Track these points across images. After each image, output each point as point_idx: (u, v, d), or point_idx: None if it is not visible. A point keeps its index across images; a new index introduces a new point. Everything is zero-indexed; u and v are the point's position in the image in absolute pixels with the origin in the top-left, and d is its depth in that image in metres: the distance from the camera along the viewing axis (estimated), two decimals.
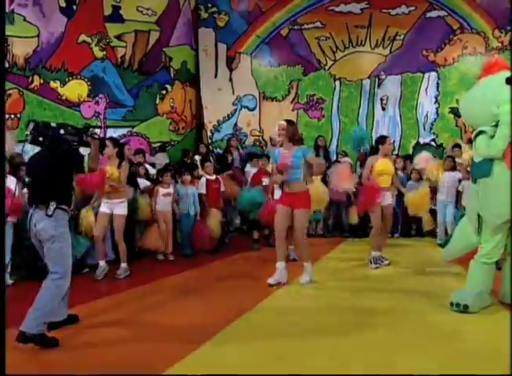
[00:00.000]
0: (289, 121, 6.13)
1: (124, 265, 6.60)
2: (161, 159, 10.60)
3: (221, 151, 12.21)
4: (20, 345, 3.82)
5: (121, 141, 9.74)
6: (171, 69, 12.07)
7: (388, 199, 7.17)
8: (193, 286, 6.04)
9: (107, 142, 6.40)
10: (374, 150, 7.42)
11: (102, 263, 6.57)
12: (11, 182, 5.45)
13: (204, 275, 6.83)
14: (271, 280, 5.77)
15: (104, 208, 6.58)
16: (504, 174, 4.54)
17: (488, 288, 4.83)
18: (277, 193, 6.78)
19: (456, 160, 9.10)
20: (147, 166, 8.97)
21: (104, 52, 10.14)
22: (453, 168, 9.03)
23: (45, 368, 3.62)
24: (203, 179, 8.46)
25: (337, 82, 12.46)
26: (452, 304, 4.74)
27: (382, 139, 7.35)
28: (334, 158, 11.42)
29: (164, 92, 11.79)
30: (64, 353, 3.81)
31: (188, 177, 8.20)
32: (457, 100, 11.28)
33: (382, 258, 7.13)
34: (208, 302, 5.25)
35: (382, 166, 7.06)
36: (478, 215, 4.78)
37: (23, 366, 3.60)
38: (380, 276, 6.51)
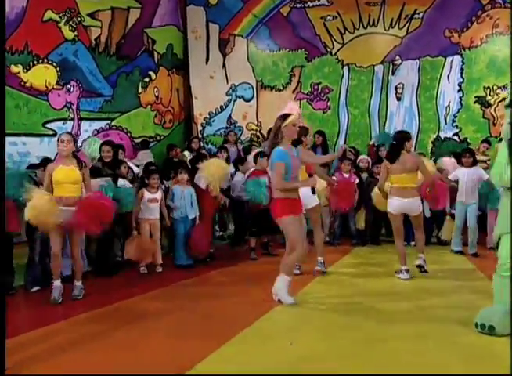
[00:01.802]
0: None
1: (79, 284, 6.11)
2: (144, 158, 10.29)
3: (213, 147, 12.14)
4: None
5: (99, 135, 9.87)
6: (155, 53, 11.87)
7: None
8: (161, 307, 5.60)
9: (64, 136, 6.01)
10: (396, 148, 6.97)
11: (58, 283, 5.98)
12: None
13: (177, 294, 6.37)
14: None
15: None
16: None
17: None
18: None
19: (478, 157, 9.02)
20: (130, 164, 8.63)
21: (75, 33, 9.58)
22: (473, 164, 8.90)
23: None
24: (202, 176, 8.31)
25: (346, 68, 12.25)
26: (476, 325, 4.45)
27: (408, 135, 7.12)
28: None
29: (146, 79, 11.58)
30: None
31: (185, 176, 8.04)
32: (485, 88, 11.12)
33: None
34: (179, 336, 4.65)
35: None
36: None
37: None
38: (399, 290, 6.34)
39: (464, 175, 8.78)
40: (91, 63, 10.01)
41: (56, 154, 6.67)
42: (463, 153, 9.06)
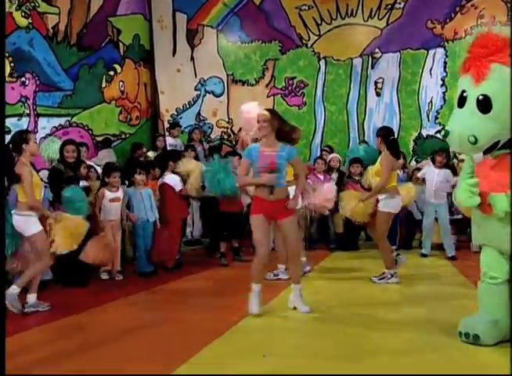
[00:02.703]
0: (272, 111, 5.68)
1: (32, 297, 5.74)
2: (105, 158, 9.92)
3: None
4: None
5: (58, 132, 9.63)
6: (120, 44, 11.59)
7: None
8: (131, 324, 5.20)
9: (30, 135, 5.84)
10: (392, 144, 6.99)
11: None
12: None
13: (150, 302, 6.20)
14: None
15: None
16: None
17: (505, 315, 4.34)
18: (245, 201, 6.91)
19: (459, 156, 9.07)
20: (91, 163, 8.61)
21: (29, 20, 9.18)
22: (445, 166, 9.06)
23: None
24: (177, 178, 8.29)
25: (322, 62, 12.16)
26: (460, 334, 4.37)
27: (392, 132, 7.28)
28: (317, 154, 11.20)
29: (111, 73, 11.31)
30: None
31: (142, 177, 7.85)
32: None
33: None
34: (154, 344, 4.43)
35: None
36: None
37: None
38: (380, 297, 6.25)
39: (434, 175, 8.87)
40: (49, 54, 9.64)
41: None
42: (439, 152, 9.06)
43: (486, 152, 4.27)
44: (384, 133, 7.04)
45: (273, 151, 5.33)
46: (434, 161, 9.09)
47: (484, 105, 4.04)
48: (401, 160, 8.75)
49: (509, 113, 4.02)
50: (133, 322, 5.14)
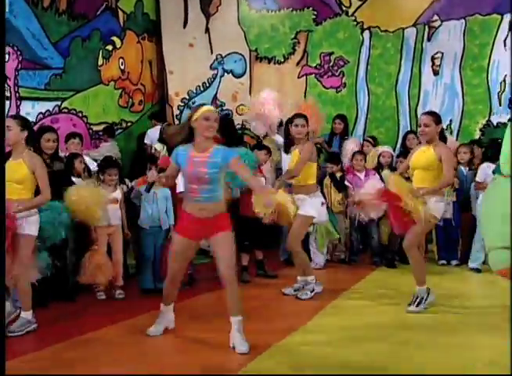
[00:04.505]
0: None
1: (26, 315, 5.84)
2: (108, 151, 9.97)
3: None
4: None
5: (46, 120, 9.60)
6: (120, 12, 11.40)
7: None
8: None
9: (9, 121, 5.89)
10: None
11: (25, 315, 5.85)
12: None
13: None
14: None
15: None
16: None
17: None
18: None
19: None
20: (86, 158, 8.43)
21: None
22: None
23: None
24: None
25: (366, 34, 11.60)
26: None
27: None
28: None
29: (109, 47, 11.14)
30: None
31: (155, 173, 7.57)
32: None
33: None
34: None
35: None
36: None
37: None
38: (422, 325, 6.09)
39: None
40: (34, 24, 9.51)
41: None
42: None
43: None
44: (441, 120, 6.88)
45: (204, 157, 5.32)
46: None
47: None
48: None
49: None
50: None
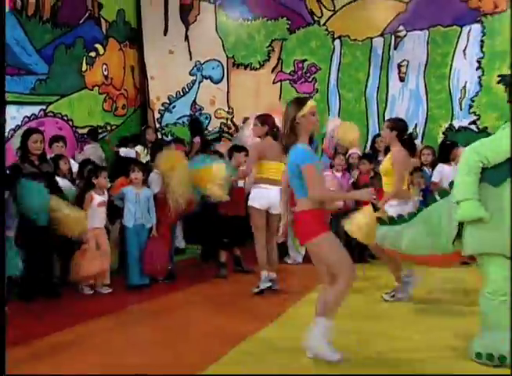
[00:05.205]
0: None
1: None
2: (92, 153, 10.10)
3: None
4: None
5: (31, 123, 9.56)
6: (102, 21, 11.56)
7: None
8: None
9: None
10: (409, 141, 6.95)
11: None
12: None
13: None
14: None
15: None
16: None
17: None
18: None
19: None
20: (71, 160, 8.65)
21: None
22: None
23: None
24: (156, 176, 8.10)
25: (337, 42, 11.90)
26: (479, 355, 4.45)
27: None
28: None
29: (92, 54, 11.26)
30: None
31: (137, 175, 7.76)
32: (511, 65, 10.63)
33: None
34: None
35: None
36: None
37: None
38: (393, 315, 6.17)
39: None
40: (18, 31, 9.57)
41: None
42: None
43: None
44: (401, 127, 6.79)
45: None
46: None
47: None
48: (415, 160, 8.61)
49: None
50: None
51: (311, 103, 4.70)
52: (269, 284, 6.98)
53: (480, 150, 4.45)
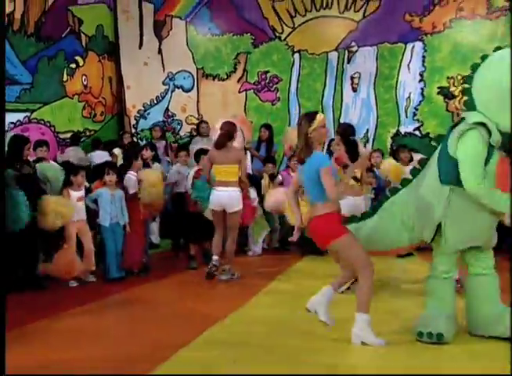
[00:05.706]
0: None
1: None
2: (72, 156, 9.92)
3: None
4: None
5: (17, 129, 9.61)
6: (82, 35, 11.66)
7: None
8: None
9: None
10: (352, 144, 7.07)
11: None
12: None
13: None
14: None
15: None
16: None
17: (454, 309, 4.68)
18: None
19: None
20: (52, 162, 8.58)
21: None
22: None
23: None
24: (133, 178, 8.18)
25: (297, 56, 12.28)
26: (421, 334, 4.45)
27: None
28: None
29: (73, 65, 11.35)
30: None
31: (111, 177, 7.82)
32: (448, 78, 11.32)
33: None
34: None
35: None
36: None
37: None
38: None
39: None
40: (4, 45, 9.30)
41: None
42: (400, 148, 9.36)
43: None
44: (345, 131, 7.15)
45: None
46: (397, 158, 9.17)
47: None
48: (367, 161, 8.68)
49: None
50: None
51: (319, 117, 4.72)
52: (216, 264, 7.32)
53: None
